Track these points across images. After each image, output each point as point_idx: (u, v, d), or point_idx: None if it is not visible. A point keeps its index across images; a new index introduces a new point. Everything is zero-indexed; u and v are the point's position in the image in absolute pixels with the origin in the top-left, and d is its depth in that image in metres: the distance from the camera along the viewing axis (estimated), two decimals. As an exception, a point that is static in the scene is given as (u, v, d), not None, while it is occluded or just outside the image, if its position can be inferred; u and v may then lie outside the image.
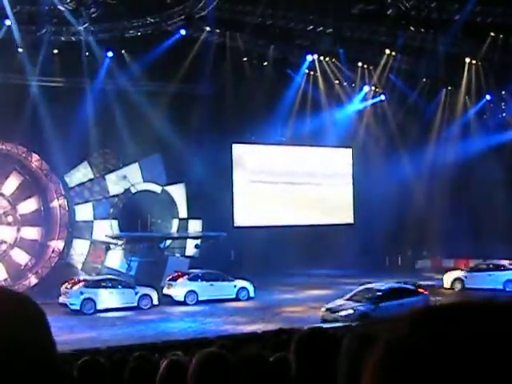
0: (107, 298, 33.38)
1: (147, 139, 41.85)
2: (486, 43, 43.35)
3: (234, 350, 5.61)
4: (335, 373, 2.86)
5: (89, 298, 32.82)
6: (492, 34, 42.62)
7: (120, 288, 34.15)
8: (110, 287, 33.95)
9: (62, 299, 33.06)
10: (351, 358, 2.74)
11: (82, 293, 32.86)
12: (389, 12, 40.15)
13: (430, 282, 37.50)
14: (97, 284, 34.07)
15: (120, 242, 43.02)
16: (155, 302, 34.37)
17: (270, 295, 37.03)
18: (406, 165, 49.65)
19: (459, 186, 47.54)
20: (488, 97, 50.39)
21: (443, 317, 0.99)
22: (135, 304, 33.69)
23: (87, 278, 35.93)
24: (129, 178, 44.41)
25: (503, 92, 50.25)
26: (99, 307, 32.82)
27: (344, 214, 52.49)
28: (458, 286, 38.96)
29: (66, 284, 33.55)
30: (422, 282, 34.56)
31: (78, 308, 32.49)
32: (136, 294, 33.97)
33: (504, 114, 51.57)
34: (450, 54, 44.12)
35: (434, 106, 50.94)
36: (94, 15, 36.44)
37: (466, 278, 39.24)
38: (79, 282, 33.97)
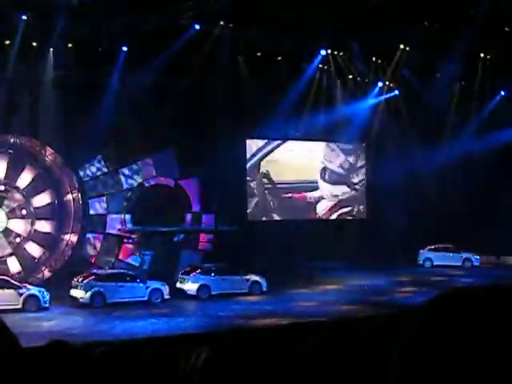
0: (117, 292, 33.44)
1: (161, 133, 41.91)
2: (501, 38, 43.12)
3: (246, 344, 5.59)
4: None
5: (98, 292, 32.91)
6: (506, 28, 42.42)
7: (130, 282, 34.19)
8: (120, 281, 33.99)
9: (72, 292, 33.20)
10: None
11: (92, 286, 32.97)
12: (404, 6, 40.00)
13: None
14: (107, 278, 34.15)
15: (133, 236, 43.13)
16: (166, 296, 34.40)
17: (283, 289, 37.01)
18: (420, 160, 49.49)
19: (474, 183, 47.30)
20: (502, 92, 50.17)
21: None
22: (146, 298, 33.74)
23: (98, 271, 35.98)
24: (142, 172, 44.48)
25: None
26: (109, 301, 32.89)
27: (357, 209, 52.49)
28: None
29: (77, 277, 33.67)
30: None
31: (88, 301, 32.59)
32: (147, 288, 34.01)
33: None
34: (465, 49, 43.92)
35: (448, 101, 50.72)
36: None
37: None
38: (90, 275, 34.07)
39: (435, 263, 47.72)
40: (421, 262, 48.55)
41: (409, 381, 0.97)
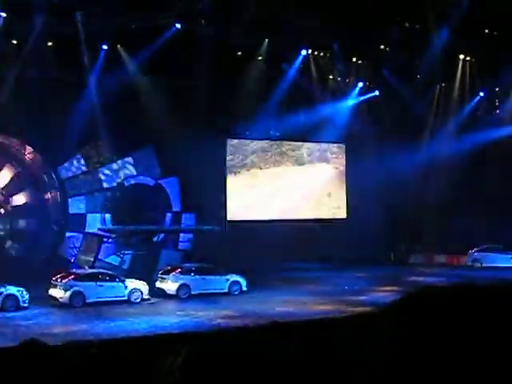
0: (97, 292, 33.29)
1: (141, 132, 41.79)
2: (481, 40, 43.42)
3: (226, 344, 5.60)
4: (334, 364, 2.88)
5: (78, 292, 32.75)
6: (486, 30, 42.70)
7: (110, 282, 34.04)
8: (99, 281, 33.83)
9: (51, 292, 33.02)
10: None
11: (71, 286, 32.80)
12: (384, 8, 40.21)
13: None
14: (86, 277, 33.97)
15: (113, 236, 43.01)
16: (146, 295, 34.30)
17: (263, 289, 37.00)
18: (400, 160, 49.69)
19: (452, 182, 47.64)
20: (482, 93, 50.49)
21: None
22: (125, 298, 33.62)
23: (78, 271, 35.80)
24: (122, 171, 44.36)
25: (497, 89, 50.39)
26: (88, 301, 32.75)
27: (337, 209, 52.58)
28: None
29: (57, 277, 33.49)
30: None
31: (67, 301, 32.42)
32: (126, 287, 33.89)
33: (498, 111, 51.68)
34: (445, 50, 44.20)
35: (428, 102, 50.99)
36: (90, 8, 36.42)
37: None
38: (69, 275, 33.90)
39: (484, 264, 46.26)
40: (470, 263, 47.45)
41: (386, 379, 1.00)
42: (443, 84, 50.64)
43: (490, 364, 0.81)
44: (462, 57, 46.99)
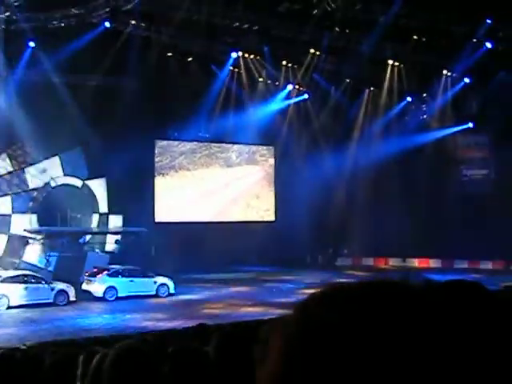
0: (21, 294, 32.64)
1: (69, 132, 41.24)
2: (409, 46, 44.09)
3: (154, 346, 5.54)
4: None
5: (2, 294, 32.06)
6: (415, 36, 43.36)
7: (35, 284, 33.41)
8: (24, 283, 33.14)
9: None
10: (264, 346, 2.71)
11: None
12: (314, 12, 40.51)
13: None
14: (11, 280, 33.18)
15: (39, 237, 42.31)
16: (72, 298, 33.79)
17: (191, 292, 36.93)
18: (328, 163, 50.16)
19: (379, 186, 48.26)
20: (409, 98, 51.26)
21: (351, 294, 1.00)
22: (51, 300, 33.06)
23: (2, 273, 35.05)
24: (49, 172, 43.75)
25: (424, 94, 51.20)
26: (12, 303, 32.08)
27: (265, 212, 52.74)
28: None
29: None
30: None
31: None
32: (52, 290, 33.32)
33: (424, 116, 52.53)
34: (374, 55, 44.77)
35: (357, 106, 51.56)
36: (16, 3, 35.79)
37: None
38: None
39: None
40: None
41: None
42: (372, 88, 51.26)
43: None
44: (390, 62, 47.60)
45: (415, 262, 49.63)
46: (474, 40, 42.86)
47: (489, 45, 42.70)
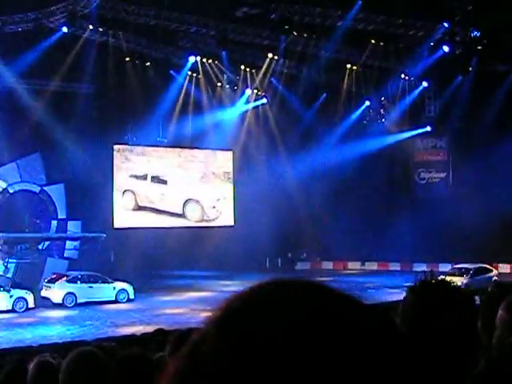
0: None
1: (26, 138, 40.94)
2: (367, 50, 44.42)
3: (113, 352, 5.56)
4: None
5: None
6: (373, 41, 43.67)
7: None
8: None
9: None
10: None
11: None
12: (272, 16, 40.68)
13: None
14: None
15: (-4, 243, 41.90)
16: (31, 305, 33.47)
17: (150, 297, 36.78)
18: (287, 168, 50.31)
19: (338, 190, 48.48)
20: (367, 103, 51.48)
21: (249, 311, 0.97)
22: (10, 307, 32.73)
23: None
24: (6, 178, 43.34)
25: (382, 98, 51.45)
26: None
27: (224, 216, 52.68)
28: None
29: None
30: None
31: None
32: (11, 296, 33.01)
33: (383, 120, 52.69)
34: (332, 59, 45.04)
35: (315, 110, 51.65)
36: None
37: None
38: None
39: None
40: None
41: None
42: (330, 93, 51.41)
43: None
44: (348, 66, 47.86)
45: (375, 266, 49.80)
46: (432, 44, 43.15)
47: (446, 48, 42.88)
